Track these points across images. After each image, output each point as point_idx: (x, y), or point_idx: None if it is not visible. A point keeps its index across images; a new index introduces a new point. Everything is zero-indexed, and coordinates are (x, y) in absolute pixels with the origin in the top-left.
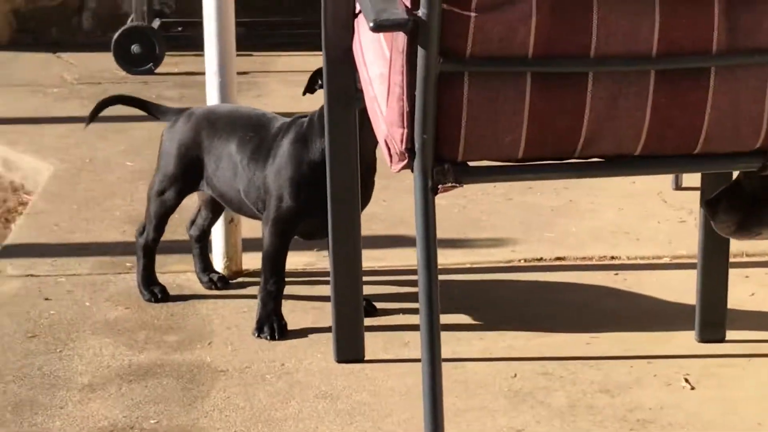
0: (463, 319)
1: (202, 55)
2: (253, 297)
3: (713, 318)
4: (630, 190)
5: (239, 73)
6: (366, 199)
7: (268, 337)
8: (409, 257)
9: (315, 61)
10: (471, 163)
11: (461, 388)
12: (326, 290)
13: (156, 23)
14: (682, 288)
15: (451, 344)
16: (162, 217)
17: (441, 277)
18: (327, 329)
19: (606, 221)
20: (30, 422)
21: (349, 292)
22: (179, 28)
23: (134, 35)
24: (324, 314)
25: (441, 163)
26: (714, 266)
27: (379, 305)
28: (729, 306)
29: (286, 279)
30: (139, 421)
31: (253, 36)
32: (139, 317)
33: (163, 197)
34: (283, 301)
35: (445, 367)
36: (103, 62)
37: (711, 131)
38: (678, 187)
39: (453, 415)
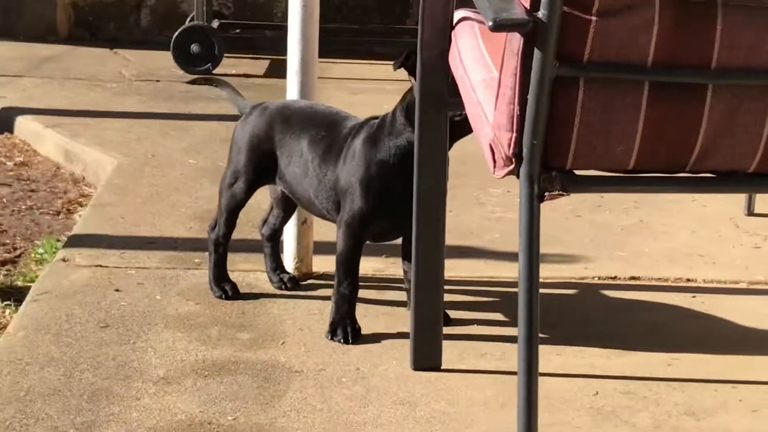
0: (541, 333)
1: (260, 58)
2: (325, 299)
3: None
4: (701, 214)
5: None
6: None
7: (342, 341)
8: (477, 268)
9: (372, 68)
10: (578, 172)
11: (543, 403)
12: (396, 296)
13: (215, 24)
14: (762, 314)
15: None
16: (233, 210)
17: (513, 290)
18: (399, 335)
19: (679, 243)
20: (107, 412)
21: (429, 300)
22: (237, 30)
23: (194, 35)
24: (395, 320)
25: (548, 170)
26: None
27: (451, 315)
28: None
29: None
30: (216, 417)
31: None
32: (210, 313)
33: (233, 190)
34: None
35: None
36: (161, 60)
37: None
38: (750, 212)
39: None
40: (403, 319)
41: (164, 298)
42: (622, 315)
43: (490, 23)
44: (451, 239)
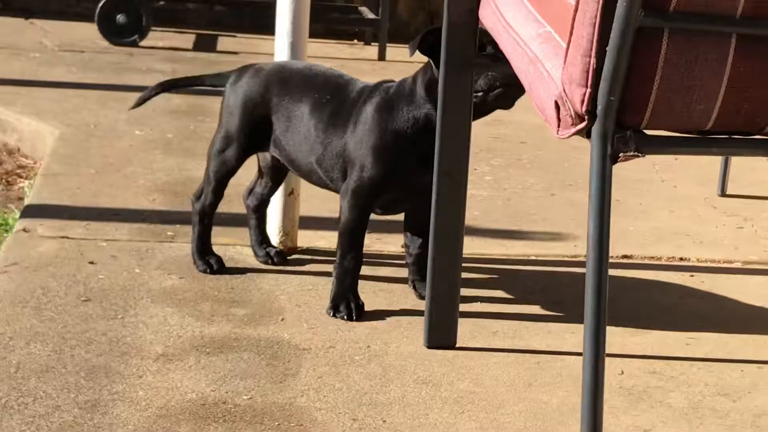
0: (549, 312)
1: (186, 32)
2: (316, 274)
3: None
4: (675, 194)
5: (230, 53)
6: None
7: (346, 317)
8: (480, 247)
9: (338, 48)
10: (649, 133)
11: (570, 382)
12: (391, 272)
13: None
14: (764, 294)
15: (543, 337)
16: (222, 178)
17: (507, 267)
18: (403, 312)
19: (662, 223)
20: (110, 390)
21: (447, 276)
22: (161, 2)
23: (121, 4)
24: (395, 297)
25: (622, 129)
26: None
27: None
28: None
29: None
30: (230, 396)
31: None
32: (197, 288)
33: (224, 156)
34: None
35: (544, 359)
36: (81, 31)
37: None
38: (723, 193)
39: (571, 411)
40: (402, 296)
41: (144, 271)
42: (627, 293)
43: None
44: None
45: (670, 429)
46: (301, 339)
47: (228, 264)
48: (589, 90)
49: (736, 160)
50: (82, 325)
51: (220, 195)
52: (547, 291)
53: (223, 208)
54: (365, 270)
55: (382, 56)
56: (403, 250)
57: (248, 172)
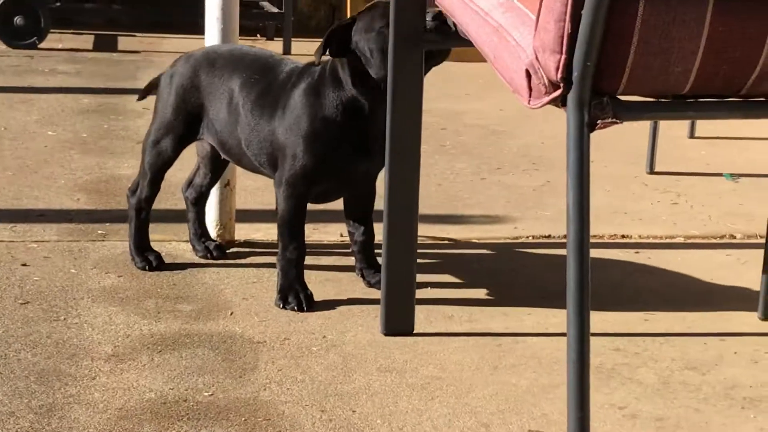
0: (501, 294)
1: (85, 33)
2: (258, 266)
3: None
4: (606, 173)
5: (133, 52)
6: (381, 165)
7: (296, 308)
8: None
9: (201, 41)
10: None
11: (535, 363)
12: (333, 261)
13: None
14: (710, 267)
15: (500, 319)
16: (159, 170)
17: (451, 252)
18: (354, 301)
19: (599, 202)
20: (64, 393)
21: (403, 261)
22: (57, 3)
23: (18, 7)
24: (342, 286)
25: (598, 95)
26: None
27: None
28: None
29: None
30: (191, 394)
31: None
32: (138, 285)
33: (159, 147)
34: None
35: (506, 341)
36: None
37: None
38: (652, 171)
39: (543, 392)
40: (350, 285)
41: (80, 271)
42: None
43: None
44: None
45: (645, 405)
46: (254, 332)
47: (166, 260)
48: (564, 56)
49: (660, 138)
50: (25, 328)
51: (157, 188)
52: (495, 274)
53: (155, 204)
54: (309, 260)
55: (287, 51)
56: (345, 238)
57: (184, 164)
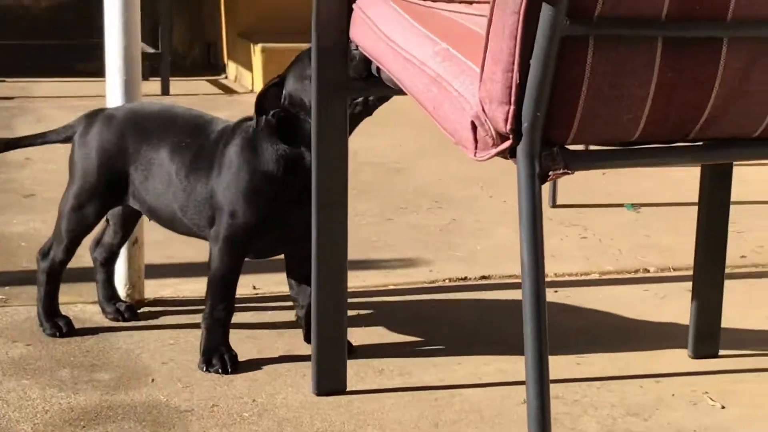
0: (427, 343)
1: None
2: (173, 327)
3: (708, 333)
4: (507, 209)
5: (5, 98)
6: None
7: (221, 370)
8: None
9: (79, 86)
10: (573, 147)
11: (477, 418)
12: (255, 318)
13: None
14: (631, 302)
15: (431, 371)
16: (78, 236)
17: (370, 300)
18: (280, 359)
19: (507, 239)
20: None
21: (332, 316)
22: None
23: None
24: (265, 343)
25: (548, 146)
26: (709, 279)
27: None
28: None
29: (195, 307)
30: None
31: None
32: (49, 354)
33: (80, 213)
34: None
35: (442, 395)
36: None
37: None
38: (555, 204)
39: None
40: (271, 342)
41: None
42: (499, 316)
43: None
44: None
45: None
46: (179, 400)
47: (75, 324)
48: (512, 107)
49: None
50: None
51: (73, 253)
52: (419, 321)
53: None
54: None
55: (165, 91)
56: (259, 291)
57: None
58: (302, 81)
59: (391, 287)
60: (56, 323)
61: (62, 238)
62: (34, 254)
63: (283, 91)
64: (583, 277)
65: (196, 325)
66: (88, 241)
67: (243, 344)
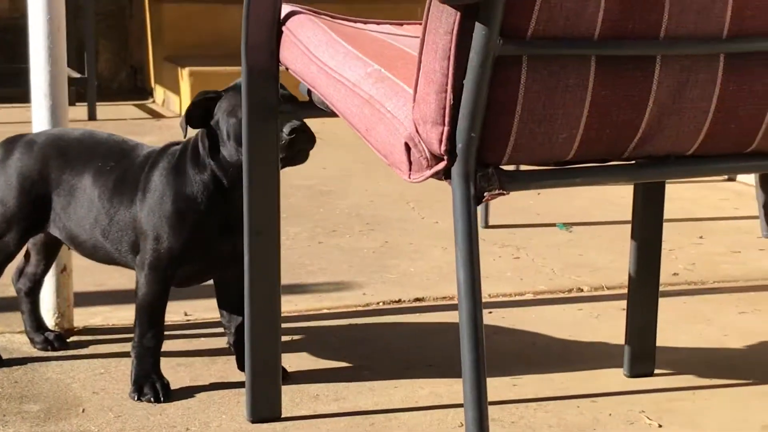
0: (362, 367)
1: None
2: (103, 356)
3: (643, 351)
4: (439, 230)
5: None
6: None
7: (153, 399)
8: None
9: (4, 112)
10: (508, 168)
11: None
12: (184, 345)
13: None
14: (565, 322)
15: (367, 395)
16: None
17: (303, 325)
18: (211, 386)
19: (440, 261)
20: None
21: (266, 342)
22: None
23: None
24: (197, 370)
25: (483, 166)
26: (643, 298)
27: None
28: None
29: (126, 335)
30: None
31: None
32: None
33: (1, 242)
34: None
35: (378, 419)
36: None
37: None
38: (487, 225)
39: None
40: (204, 368)
41: None
42: (433, 338)
43: None
44: None
45: None
46: (111, 430)
47: (3, 355)
48: (447, 128)
49: None
50: None
51: None
52: (353, 345)
53: None
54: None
55: (92, 116)
56: (191, 317)
57: None
58: (231, 116)
59: (325, 311)
60: None
61: None
62: None
63: (215, 109)
64: (517, 298)
65: (127, 354)
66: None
67: (175, 372)
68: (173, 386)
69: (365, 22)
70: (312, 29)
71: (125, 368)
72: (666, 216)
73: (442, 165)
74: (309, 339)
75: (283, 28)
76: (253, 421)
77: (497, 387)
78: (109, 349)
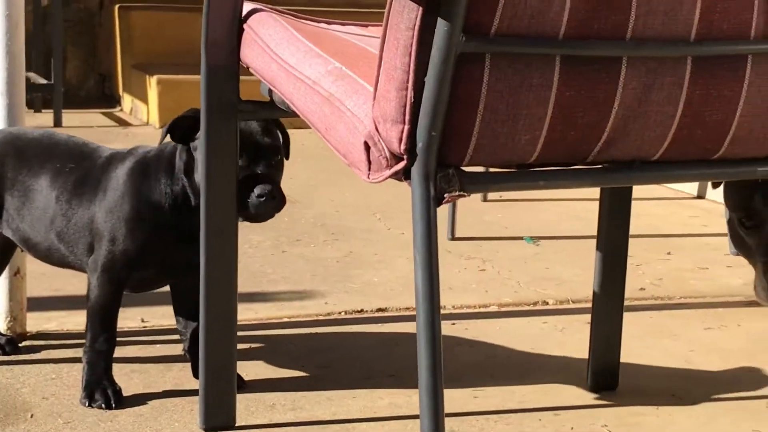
0: (320, 377)
1: None
2: (55, 361)
3: (607, 365)
4: (404, 241)
5: None
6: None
7: (104, 405)
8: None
9: None
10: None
11: None
12: (138, 351)
13: None
14: (528, 334)
15: (324, 405)
16: None
17: (263, 333)
18: (165, 394)
19: (404, 271)
20: None
21: (221, 350)
22: None
23: None
24: (151, 378)
25: (444, 167)
26: (608, 312)
27: None
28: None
29: (80, 341)
30: None
31: None
32: None
33: None
34: None
35: (335, 429)
36: None
37: (738, 132)
38: (453, 237)
39: None
40: (158, 376)
41: None
42: (394, 349)
43: None
44: None
45: None
46: None
47: None
48: (407, 126)
49: (459, 203)
50: None
51: None
52: (312, 354)
53: None
54: None
55: (58, 123)
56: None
57: None
58: None
59: (285, 320)
60: None
61: None
62: None
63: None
64: (482, 310)
65: (80, 359)
66: None
67: (129, 378)
68: (126, 393)
69: (329, 23)
70: (273, 27)
71: (77, 374)
72: (634, 232)
73: (401, 164)
74: (268, 347)
75: (245, 26)
76: (206, 430)
77: (457, 398)
78: (62, 355)
